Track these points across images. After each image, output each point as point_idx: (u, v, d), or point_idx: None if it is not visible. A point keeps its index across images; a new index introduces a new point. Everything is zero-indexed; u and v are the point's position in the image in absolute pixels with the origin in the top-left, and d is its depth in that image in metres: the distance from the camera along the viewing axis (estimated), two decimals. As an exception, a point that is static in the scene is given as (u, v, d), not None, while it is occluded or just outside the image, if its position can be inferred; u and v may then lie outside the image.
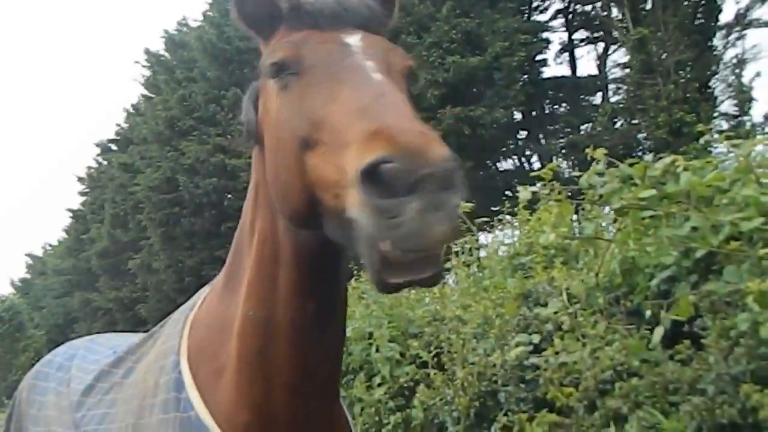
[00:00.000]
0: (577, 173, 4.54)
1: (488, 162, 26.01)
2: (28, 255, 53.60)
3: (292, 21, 1.80)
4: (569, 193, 5.59)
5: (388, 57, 1.72)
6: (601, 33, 26.49)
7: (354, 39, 1.72)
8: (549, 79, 26.82)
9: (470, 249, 7.86)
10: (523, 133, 27.48)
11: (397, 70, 1.71)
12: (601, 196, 4.23)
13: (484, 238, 9.31)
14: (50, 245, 51.61)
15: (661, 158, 4.15)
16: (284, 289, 1.77)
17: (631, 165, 4.19)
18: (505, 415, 4.61)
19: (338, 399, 2.04)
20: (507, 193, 24.21)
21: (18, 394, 2.84)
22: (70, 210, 44.46)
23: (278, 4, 1.82)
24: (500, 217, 8.32)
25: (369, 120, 1.38)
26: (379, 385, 5.83)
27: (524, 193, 4.58)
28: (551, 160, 24.38)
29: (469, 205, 6.83)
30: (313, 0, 1.80)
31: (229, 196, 29.14)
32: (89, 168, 42.75)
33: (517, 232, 8.05)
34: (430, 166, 1.26)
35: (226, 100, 29.16)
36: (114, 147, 40.23)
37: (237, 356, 1.85)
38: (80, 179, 43.17)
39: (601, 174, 4.16)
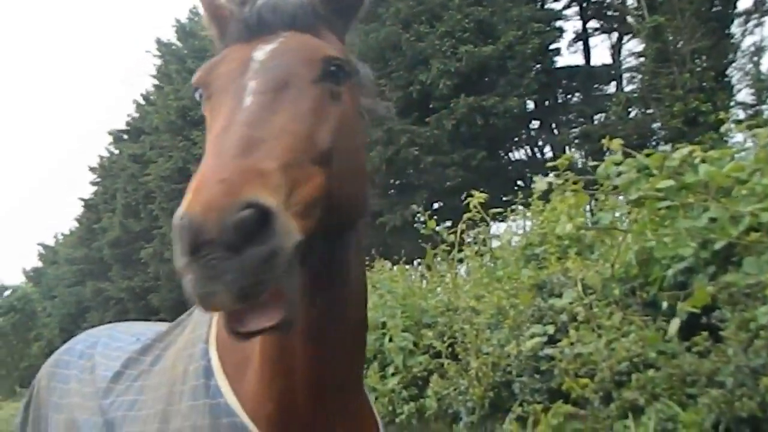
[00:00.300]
0: (591, 163, 4.50)
1: (500, 152, 25.87)
2: (40, 244, 53.77)
3: (227, 36, 1.74)
4: (574, 182, 5.56)
5: (295, 66, 1.58)
6: (616, 22, 26.26)
7: (262, 51, 1.61)
8: (562, 68, 26.58)
9: (483, 239, 7.84)
10: (535, 123, 27.29)
11: (303, 76, 1.56)
12: (615, 186, 4.19)
13: (495, 228, 9.27)
14: (62, 234, 51.81)
15: (678, 149, 4.10)
16: None
17: (648, 155, 4.15)
18: (520, 405, 4.59)
19: (361, 392, 2.03)
20: (519, 182, 24.13)
21: (36, 382, 2.83)
22: (82, 199, 44.60)
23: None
24: (513, 207, 8.28)
25: (201, 164, 1.33)
26: (393, 374, 5.83)
27: (540, 183, 4.55)
28: (564, 150, 24.24)
29: (483, 195, 6.81)
30: (248, 8, 1.71)
31: (241, 185, 29.11)
32: (101, 157, 42.95)
33: (529, 223, 8.03)
34: (214, 228, 1.18)
35: (238, 89, 29.09)
36: (125, 137, 40.39)
37: (260, 351, 1.85)
38: (92, 169, 43.38)
39: (618, 164, 4.12)
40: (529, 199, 7.28)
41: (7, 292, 54.78)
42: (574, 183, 5.63)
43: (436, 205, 22.28)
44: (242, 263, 1.19)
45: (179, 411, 1.95)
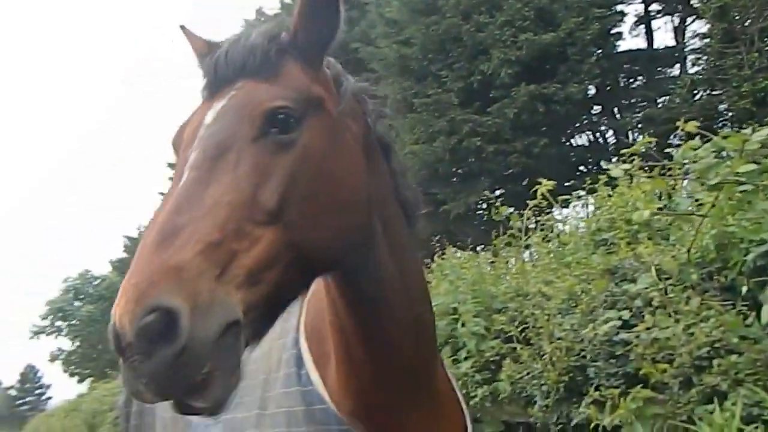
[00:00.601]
0: (656, 147, 4.45)
1: (562, 138, 25.49)
2: (125, 236, 55.60)
3: (200, 92, 1.76)
4: (647, 168, 5.52)
5: (235, 126, 1.54)
6: (679, 4, 25.51)
7: (213, 112, 1.59)
8: (624, 52, 25.97)
9: (551, 225, 7.84)
10: (597, 108, 26.80)
11: (243, 135, 1.54)
12: (686, 172, 4.16)
13: (558, 214, 9.21)
14: (144, 226, 53.32)
15: (757, 130, 4.05)
16: (337, 299, 1.87)
17: (725, 137, 4.11)
18: (597, 389, 4.62)
19: (434, 381, 2.09)
20: (581, 168, 23.78)
21: None
22: (162, 194, 46.07)
23: None
24: (578, 193, 8.24)
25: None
26: (466, 358, 5.91)
27: (616, 170, 4.54)
28: (627, 135, 23.78)
29: (551, 183, 6.81)
30: (207, 60, 1.71)
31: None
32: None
33: (591, 208, 7.98)
34: (128, 334, 1.25)
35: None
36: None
37: (334, 352, 1.98)
38: (170, 165, 44.98)
39: (696, 149, 4.10)
40: (596, 185, 7.25)
41: (96, 282, 57.40)
42: (641, 168, 5.60)
43: (497, 192, 22.21)
44: (154, 365, 1.26)
45: (274, 398, 2.09)
